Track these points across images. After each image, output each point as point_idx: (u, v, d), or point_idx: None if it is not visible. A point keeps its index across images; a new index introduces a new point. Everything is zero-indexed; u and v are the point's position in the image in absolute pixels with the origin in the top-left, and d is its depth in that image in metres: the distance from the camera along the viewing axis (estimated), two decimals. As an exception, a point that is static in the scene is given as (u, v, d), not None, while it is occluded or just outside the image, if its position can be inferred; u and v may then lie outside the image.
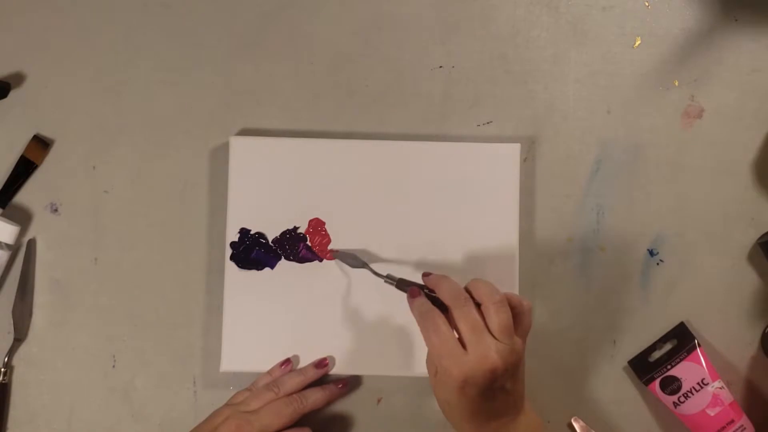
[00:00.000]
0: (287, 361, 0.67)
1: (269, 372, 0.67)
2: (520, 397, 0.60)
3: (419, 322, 0.59)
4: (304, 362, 0.68)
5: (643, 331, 0.70)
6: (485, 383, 0.56)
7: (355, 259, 0.67)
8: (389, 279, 0.64)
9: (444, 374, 0.57)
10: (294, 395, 0.65)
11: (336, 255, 0.68)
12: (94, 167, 0.71)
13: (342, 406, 0.70)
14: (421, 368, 0.67)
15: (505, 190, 0.69)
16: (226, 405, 0.65)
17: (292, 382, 0.66)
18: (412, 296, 0.61)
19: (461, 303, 0.58)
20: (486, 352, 0.56)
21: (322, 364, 0.67)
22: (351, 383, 0.69)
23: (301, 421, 0.65)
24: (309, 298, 0.68)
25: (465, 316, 0.57)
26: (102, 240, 0.70)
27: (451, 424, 0.60)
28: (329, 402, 0.68)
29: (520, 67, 0.72)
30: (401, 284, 0.63)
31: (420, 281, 0.63)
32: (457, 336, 0.57)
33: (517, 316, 0.59)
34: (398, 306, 0.68)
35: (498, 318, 0.57)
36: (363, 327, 0.68)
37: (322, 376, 0.67)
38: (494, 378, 0.56)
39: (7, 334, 0.70)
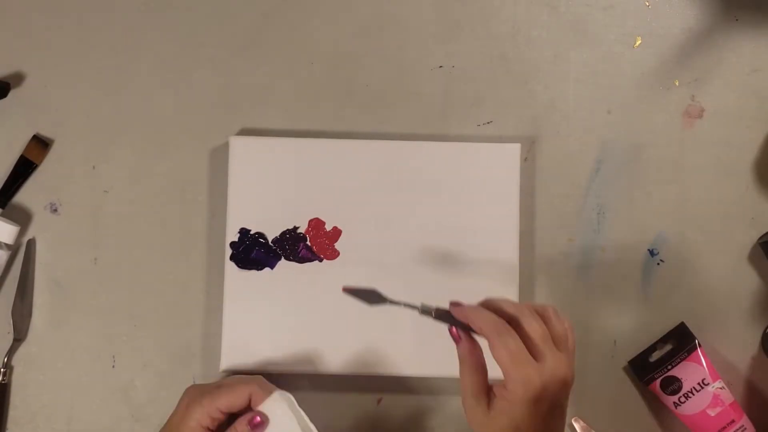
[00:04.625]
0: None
1: None
2: (564, 422, 0.56)
3: (488, 335, 0.54)
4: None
5: (643, 331, 0.70)
6: (558, 395, 0.53)
7: (371, 295, 0.60)
8: (424, 309, 0.57)
9: (517, 388, 0.52)
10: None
11: (348, 291, 0.60)
12: (94, 167, 0.71)
13: (342, 406, 0.70)
14: (421, 368, 0.67)
15: (505, 190, 0.69)
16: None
17: None
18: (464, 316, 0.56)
19: (528, 313, 0.54)
20: (558, 362, 0.53)
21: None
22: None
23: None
24: (309, 298, 0.68)
25: (535, 327, 0.53)
26: (102, 240, 0.70)
27: None
28: None
29: (520, 67, 0.72)
30: (439, 314, 0.56)
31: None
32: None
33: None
34: (398, 306, 0.68)
35: (559, 327, 0.55)
36: (363, 327, 0.68)
37: None
38: (566, 390, 0.54)
39: (7, 335, 0.69)
